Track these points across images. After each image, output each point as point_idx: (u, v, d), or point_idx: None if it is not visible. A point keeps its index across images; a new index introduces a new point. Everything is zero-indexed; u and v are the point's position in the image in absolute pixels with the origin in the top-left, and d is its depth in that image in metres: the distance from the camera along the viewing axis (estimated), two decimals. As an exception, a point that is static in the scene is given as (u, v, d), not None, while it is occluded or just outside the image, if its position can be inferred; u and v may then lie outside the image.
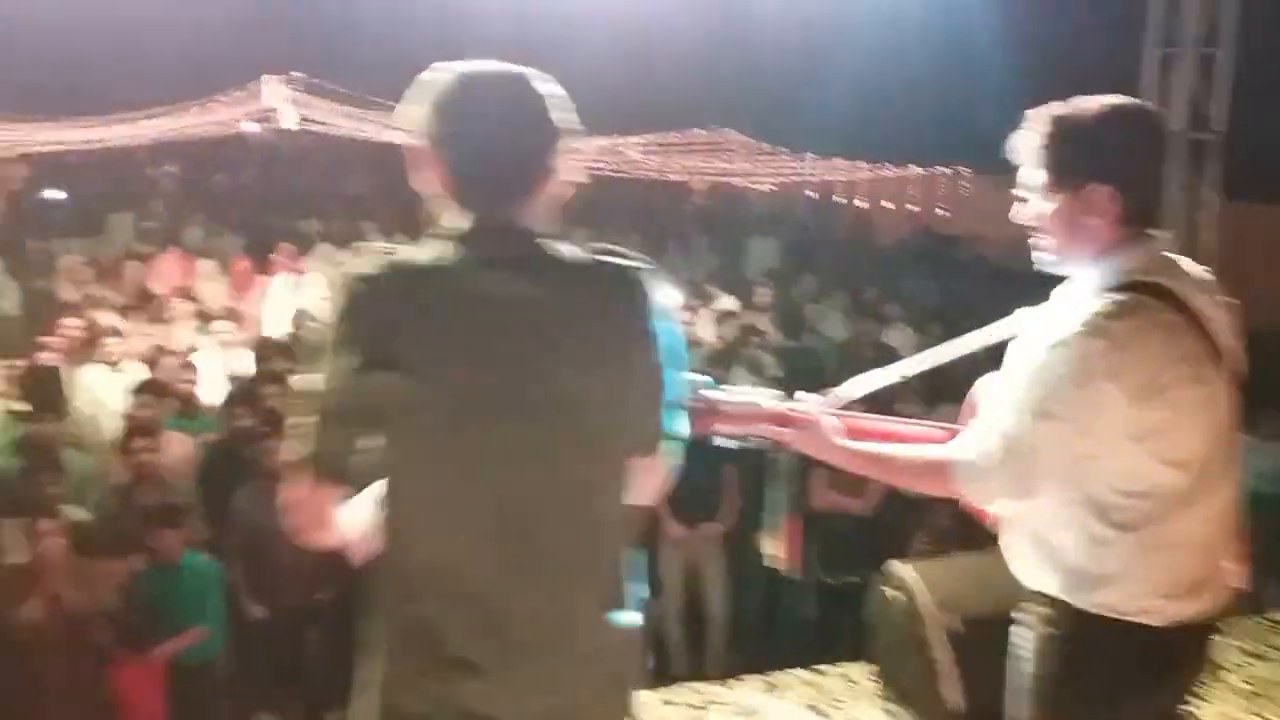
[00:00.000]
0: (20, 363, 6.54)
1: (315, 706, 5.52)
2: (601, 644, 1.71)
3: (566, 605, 1.67)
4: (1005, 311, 2.17)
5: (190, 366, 6.37)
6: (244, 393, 6.17)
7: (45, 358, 6.61)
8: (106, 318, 7.08)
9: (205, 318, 7.42)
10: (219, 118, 10.55)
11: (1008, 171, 2.09)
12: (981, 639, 2.91)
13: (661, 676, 4.86)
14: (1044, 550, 2.03)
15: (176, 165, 11.34)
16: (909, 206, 13.39)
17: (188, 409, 6.22)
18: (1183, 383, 1.89)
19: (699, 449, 2.04)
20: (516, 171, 1.70)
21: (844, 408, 2.22)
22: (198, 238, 9.52)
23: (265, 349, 6.84)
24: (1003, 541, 2.16)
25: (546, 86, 1.72)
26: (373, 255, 1.68)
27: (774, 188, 14.71)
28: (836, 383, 2.25)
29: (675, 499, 4.79)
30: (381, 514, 1.68)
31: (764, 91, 12.26)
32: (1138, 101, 2.06)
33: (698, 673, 5.40)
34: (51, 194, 9.94)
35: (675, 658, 6.03)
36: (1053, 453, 1.91)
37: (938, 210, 13.38)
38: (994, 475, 1.95)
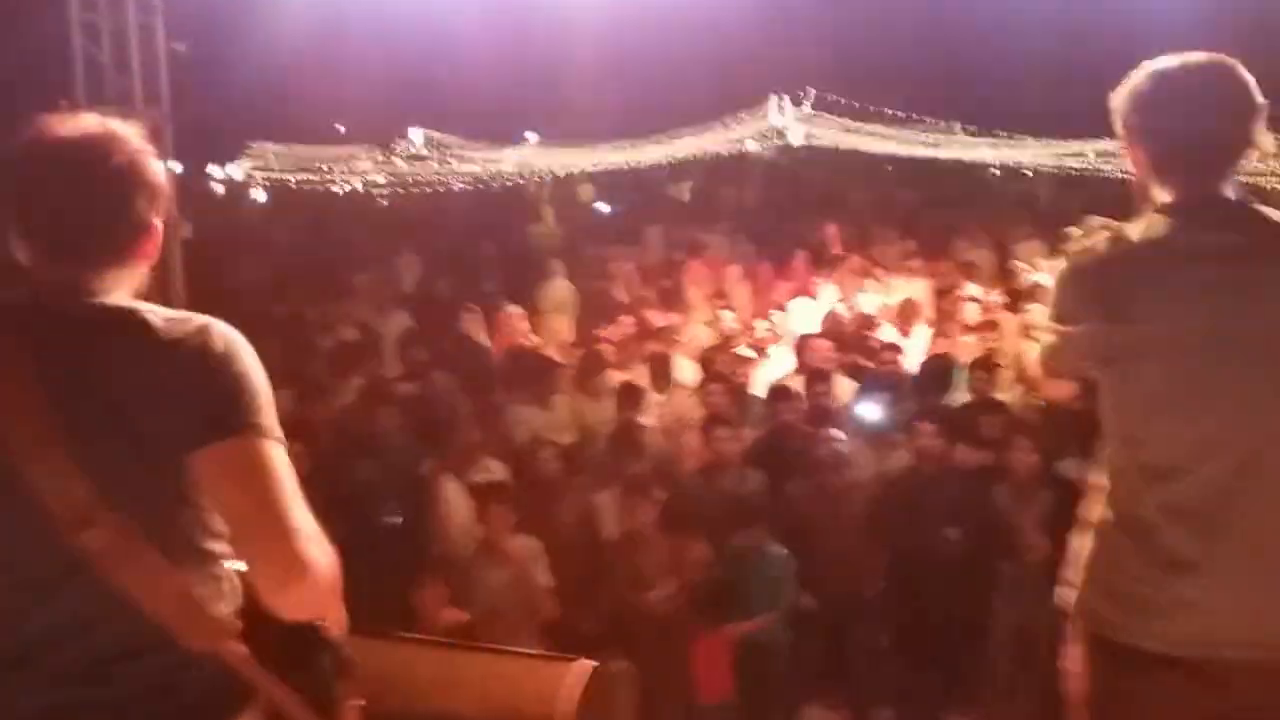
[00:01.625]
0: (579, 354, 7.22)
1: (862, 703, 5.52)
2: None
3: (1275, 521, 1.96)
4: None
5: (743, 362, 6.68)
6: (788, 389, 6.37)
7: (607, 353, 7.26)
8: (655, 317, 7.67)
9: (741, 319, 7.79)
10: (732, 136, 11.16)
11: None
12: None
13: None
14: None
15: (695, 181, 12.19)
16: None
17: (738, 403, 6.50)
18: None
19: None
20: (1209, 152, 1.97)
21: None
22: (720, 246, 10.12)
23: (803, 348, 7.02)
24: None
25: (1234, 73, 1.98)
26: (1098, 233, 2.05)
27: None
28: None
29: None
30: (1115, 430, 2.05)
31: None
32: None
33: None
34: (601, 207, 11.12)
35: None
36: None
37: None
38: None
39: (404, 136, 13.32)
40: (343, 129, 14.57)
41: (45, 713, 1.55)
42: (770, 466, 5.80)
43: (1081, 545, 2.14)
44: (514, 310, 8.28)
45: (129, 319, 1.59)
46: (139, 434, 1.55)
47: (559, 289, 9.09)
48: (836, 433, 5.80)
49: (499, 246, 10.95)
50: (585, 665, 2.72)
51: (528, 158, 11.70)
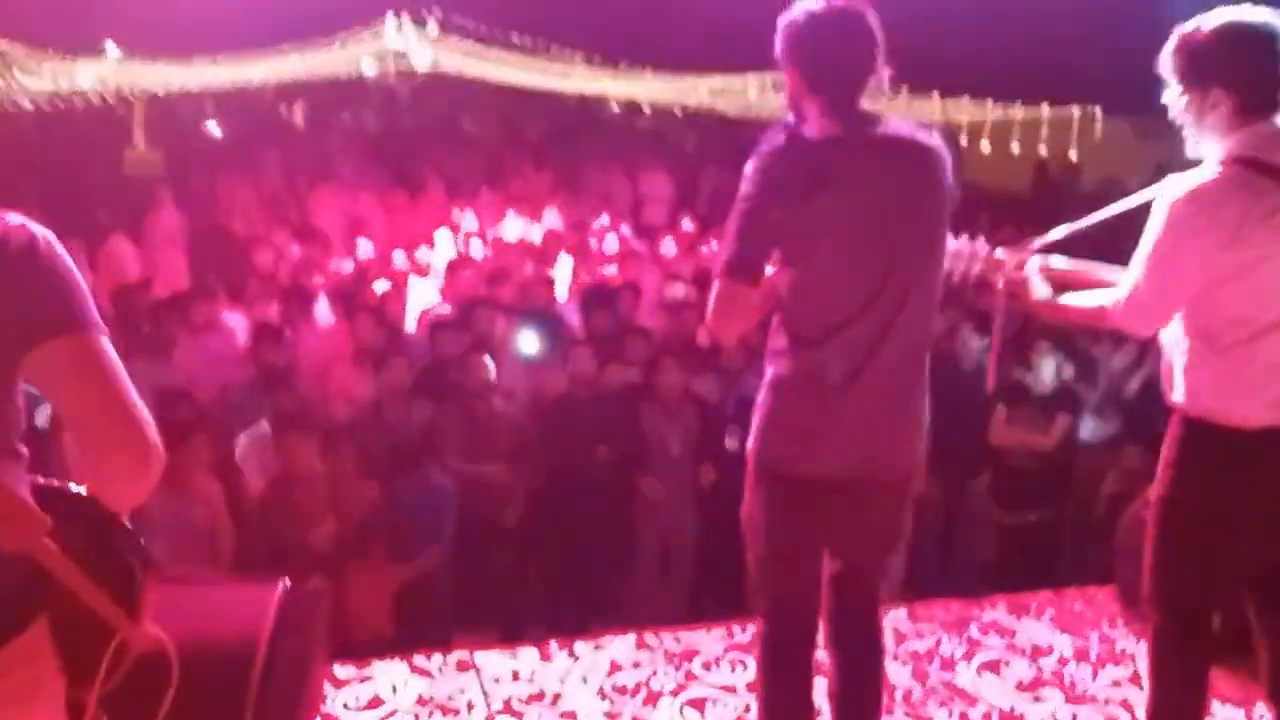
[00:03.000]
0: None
1: (510, 627, 5.61)
2: (916, 395, 2.52)
3: (903, 364, 2.45)
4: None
5: (390, 294, 6.45)
6: (443, 320, 6.27)
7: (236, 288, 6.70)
8: (291, 249, 7.18)
9: (379, 250, 7.49)
10: (349, 56, 10.55)
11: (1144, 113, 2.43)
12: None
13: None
14: (1172, 369, 2.56)
15: (308, 104, 11.41)
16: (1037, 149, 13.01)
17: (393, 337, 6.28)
18: (1264, 233, 2.34)
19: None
20: (855, 71, 2.39)
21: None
22: (348, 174, 9.60)
23: (452, 278, 6.91)
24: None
25: (868, 14, 2.39)
26: (776, 132, 2.41)
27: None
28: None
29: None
30: (794, 299, 2.43)
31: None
32: (1254, 16, 2.39)
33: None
34: (211, 130, 10.03)
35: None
36: (1160, 293, 2.45)
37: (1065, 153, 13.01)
38: (1126, 316, 2.52)
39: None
40: None
41: None
42: (430, 399, 5.70)
43: (762, 402, 2.53)
44: (118, 245, 7.37)
45: None
46: None
47: (167, 220, 8.20)
48: (486, 360, 5.77)
49: (88, 174, 9.64)
50: (280, 584, 2.77)
51: (112, 74, 10.32)
